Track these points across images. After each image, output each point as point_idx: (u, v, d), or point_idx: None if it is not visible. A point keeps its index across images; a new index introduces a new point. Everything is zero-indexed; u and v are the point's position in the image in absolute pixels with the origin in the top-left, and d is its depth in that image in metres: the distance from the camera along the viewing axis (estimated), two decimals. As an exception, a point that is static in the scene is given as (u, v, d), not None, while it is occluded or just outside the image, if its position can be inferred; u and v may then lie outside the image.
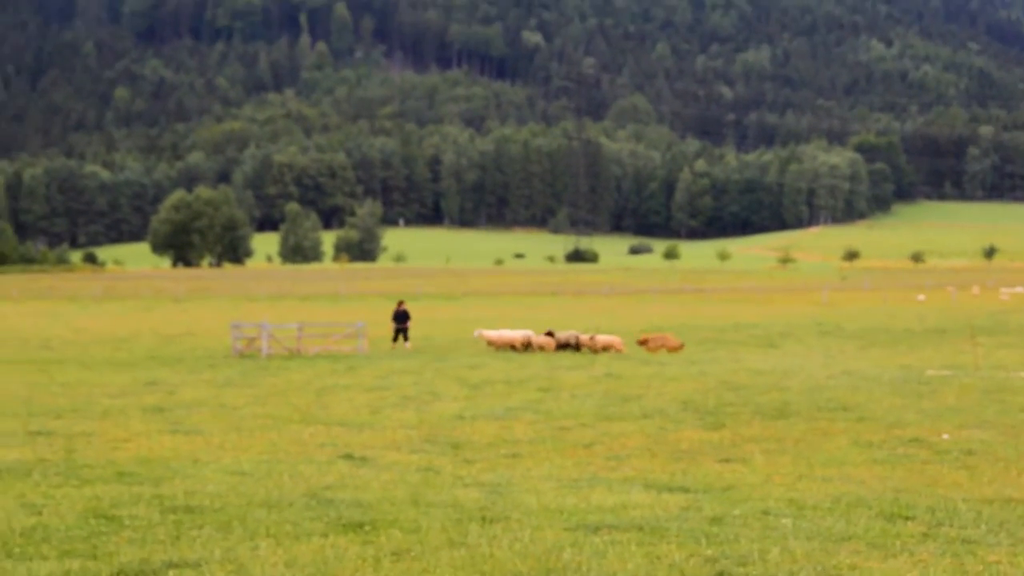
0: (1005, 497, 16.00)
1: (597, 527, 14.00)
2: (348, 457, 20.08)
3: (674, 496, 16.25)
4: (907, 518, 14.56)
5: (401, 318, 48.79)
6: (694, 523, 14.22)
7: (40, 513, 14.89)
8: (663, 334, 46.29)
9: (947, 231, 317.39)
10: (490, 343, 45.63)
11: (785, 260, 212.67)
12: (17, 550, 13.03)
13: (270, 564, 12.37)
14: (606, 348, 43.47)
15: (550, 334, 45.05)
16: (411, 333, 48.93)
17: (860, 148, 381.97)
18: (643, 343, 44.18)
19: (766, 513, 14.88)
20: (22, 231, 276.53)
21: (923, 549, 12.98)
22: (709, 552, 12.79)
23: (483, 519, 14.51)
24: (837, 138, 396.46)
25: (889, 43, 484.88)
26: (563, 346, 44.08)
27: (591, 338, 44.14)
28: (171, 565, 12.38)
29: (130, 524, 14.25)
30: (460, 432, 23.30)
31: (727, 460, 19.78)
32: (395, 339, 48.46)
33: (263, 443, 21.84)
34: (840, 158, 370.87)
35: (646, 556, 12.64)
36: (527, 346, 44.47)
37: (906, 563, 12.42)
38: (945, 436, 22.09)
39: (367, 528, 14.04)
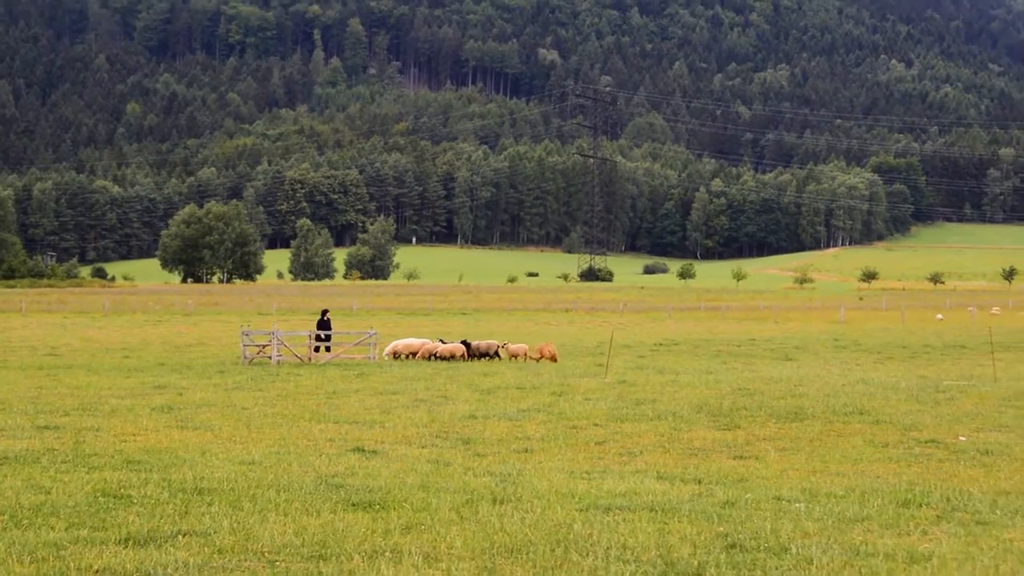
0: (1022, 490, 15.82)
1: (608, 508, 13.94)
2: (358, 450, 20.03)
3: (687, 486, 16.14)
4: (921, 504, 14.46)
5: (325, 327, 48.11)
6: (706, 505, 14.14)
7: (49, 492, 14.90)
8: (545, 343, 47.13)
9: (966, 253, 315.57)
10: (395, 354, 45.54)
11: (802, 280, 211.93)
12: (26, 521, 13.10)
13: (279, 534, 12.37)
14: (514, 356, 45.09)
15: (465, 343, 45.87)
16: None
17: (879, 169, 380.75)
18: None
19: (779, 499, 14.78)
20: (31, 246, 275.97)
21: (937, 529, 12.90)
22: (721, 529, 12.72)
23: (494, 500, 14.46)
24: (856, 159, 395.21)
25: (909, 63, 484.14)
26: (481, 355, 45.07)
27: (504, 346, 45.75)
28: (180, 533, 12.41)
29: (139, 501, 14.27)
30: (472, 430, 23.23)
31: (741, 457, 19.69)
32: (316, 349, 46.93)
33: (272, 437, 21.79)
34: (859, 179, 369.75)
35: (658, 531, 12.57)
36: (431, 356, 44.92)
37: (920, 540, 12.34)
38: (962, 438, 21.91)
39: (377, 507, 14.01)
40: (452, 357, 44.54)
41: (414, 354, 45.28)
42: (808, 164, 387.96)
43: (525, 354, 45.00)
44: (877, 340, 61.15)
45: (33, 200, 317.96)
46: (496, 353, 45.31)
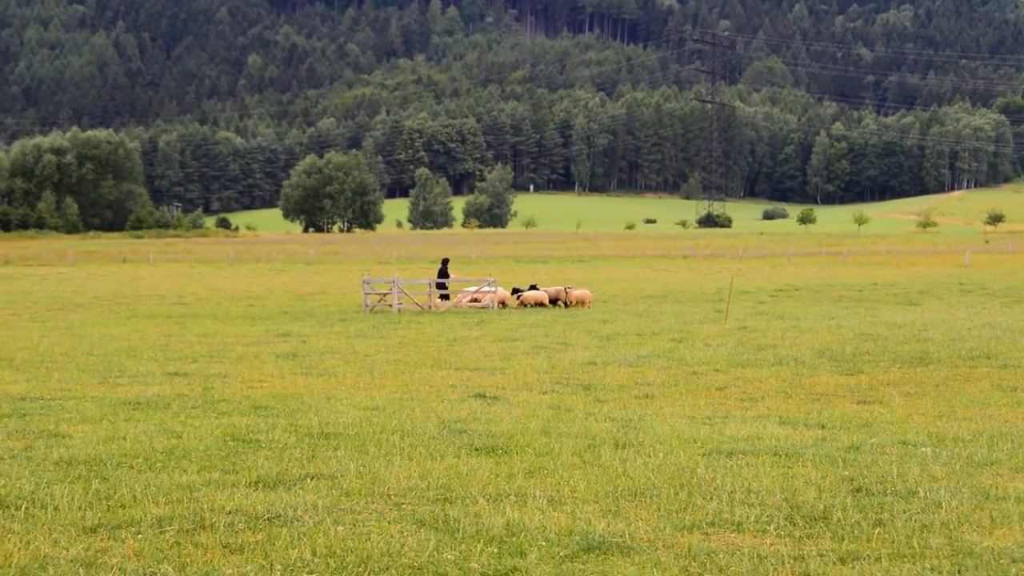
0: None
1: (731, 452, 13.91)
2: (480, 396, 20.19)
3: (810, 430, 16.03)
4: (1054, 448, 14.19)
5: (443, 275, 48.23)
6: (831, 450, 14.03)
7: (180, 437, 15.30)
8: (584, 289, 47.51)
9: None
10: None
11: (925, 224, 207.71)
12: (159, 464, 13.52)
13: (405, 477, 12.58)
14: (579, 302, 45.00)
15: (534, 287, 46.45)
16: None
17: (1006, 109, 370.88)
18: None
19: (904, 443, 14.61)
20: (157, 196, 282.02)
21: (1071, 473, 12.64)
22: (846, 473, 12.63)
23: (616, 445, 14.52)
24: (981, 99, 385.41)
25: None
26: (553, 301, 45.31)
27: (567, 291, 45.47)
28: (308, 476, 12.70)
29: (267, 446, 14.59)
30: (592, 375, 23.27)
31: (864, 402, 19.46)
32: (443, 297, 47.13)
33: (395, 384, 22.06)
34: (984, 120, 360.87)
35: (783, 475, 12.52)
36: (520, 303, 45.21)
37: (1053, 485, 12.11)
38: (1093, 382, 21.38)
39: (500, 452, 14.16)
40: (540, 304, 45.06)
41: (504, 303, 45.56)
42: (932, 106, 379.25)
43: (583, 301, 45.12)
44: (1004, 284, 59.76)
45: (159, 152, 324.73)
46: (565, 300, 45.46)
